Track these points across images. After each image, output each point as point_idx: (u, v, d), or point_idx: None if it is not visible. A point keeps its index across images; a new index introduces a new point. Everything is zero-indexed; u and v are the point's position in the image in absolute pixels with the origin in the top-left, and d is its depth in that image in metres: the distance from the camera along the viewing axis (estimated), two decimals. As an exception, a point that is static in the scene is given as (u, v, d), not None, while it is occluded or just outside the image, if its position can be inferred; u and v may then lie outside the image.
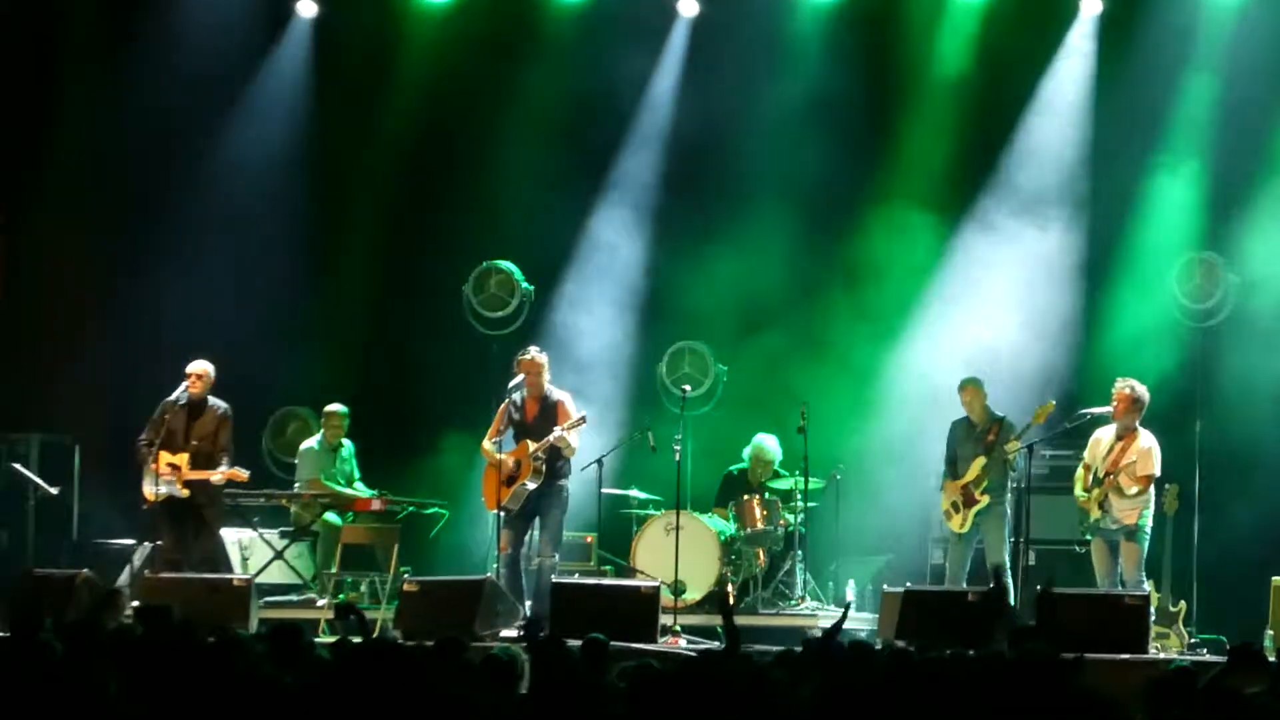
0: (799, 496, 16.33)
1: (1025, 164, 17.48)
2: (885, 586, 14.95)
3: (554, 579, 14.69)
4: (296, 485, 16.88)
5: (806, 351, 17.55)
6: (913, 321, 17.53)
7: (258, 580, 15.41)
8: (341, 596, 16.05)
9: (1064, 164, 17.47)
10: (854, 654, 9.05)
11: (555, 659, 8.59)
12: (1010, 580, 15.01)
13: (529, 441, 15.12)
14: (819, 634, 12.54)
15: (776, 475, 16.71)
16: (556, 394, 15.36)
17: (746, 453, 16.80)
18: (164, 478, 15.30)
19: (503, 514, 15.09)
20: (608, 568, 16.72)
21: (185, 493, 15.38)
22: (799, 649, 9.61)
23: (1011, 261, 17.10)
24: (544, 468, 15.08)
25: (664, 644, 13.93)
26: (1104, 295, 17.27)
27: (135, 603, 14.93)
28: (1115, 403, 14.79)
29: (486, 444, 15.27)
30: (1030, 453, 15.28)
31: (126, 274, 18.20)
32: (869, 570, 16.85)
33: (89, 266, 18.29)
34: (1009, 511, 15.36)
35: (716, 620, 15.73)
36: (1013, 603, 14.51)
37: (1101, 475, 14.73)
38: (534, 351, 15.42)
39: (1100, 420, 14.95)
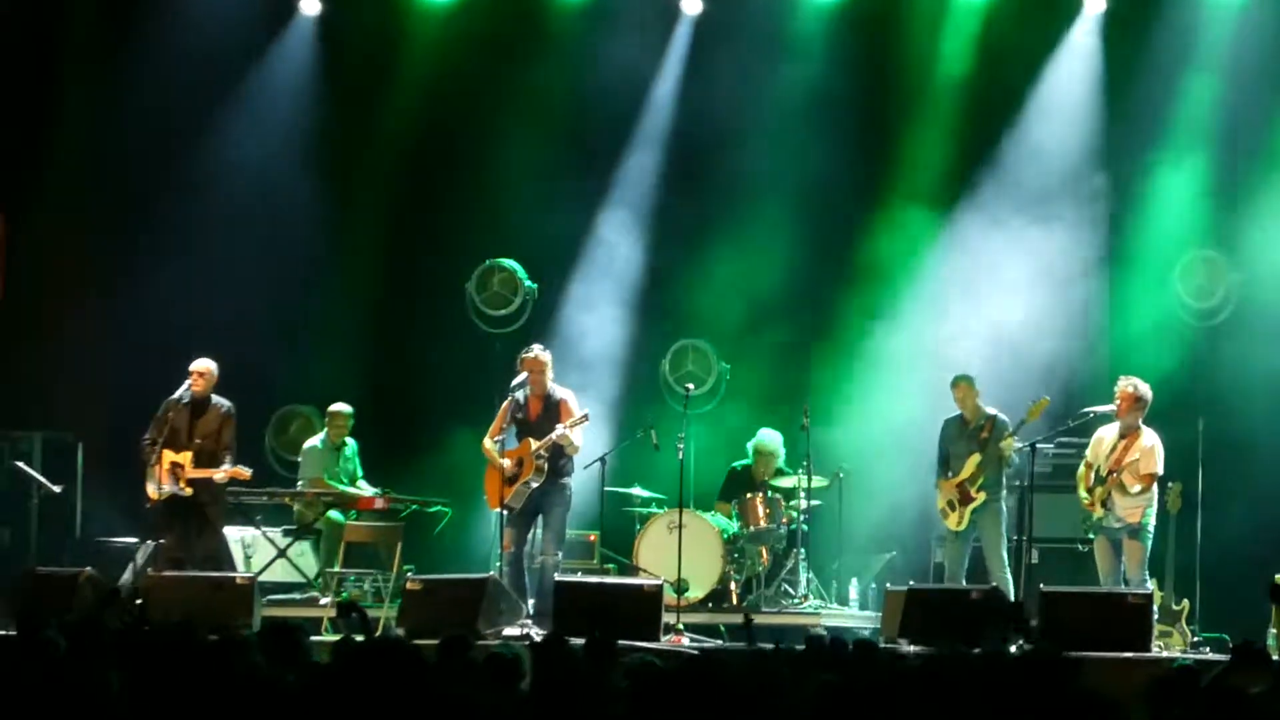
0: (802, 494, 16.33)
1: (1028, 162, 17.46)
2: (888, 585, 14.96)
3: (557, 577, 14.68)
4: (299, 483, 16.89)
5: (810, 349, 17.57)
6: (915, 319, 17.53)
7: (261, 579, 15.41)
8: (344, 595, 16.05)
9: (1067, 162, 17.47)
10: (858, 652, 9.06)
11: (557, 658, 8.59)
12: (1009, 578, 15.05)
13: (531, 440, 15.12)
14: (823, 632, 12.56)
15: (780, 473, 16.71)
16: (559, 392, 15.36)
17: (750, 446, 16.81)
18: (167, 476, 15.30)
19: (505, 512, 15.09)
20: (610, 566, 16.73)
21: (188, 491, 15.37)
22: (801, 647, 9.61)
23: (1014, 259, 17.08)
24: (546, 466, 15.07)
25: (667, 642, 13.92)
26: (1107, 293, 17.27)
27: (138, 600, 14.98)
28: (1118, 401, 14.79)
29: (488, 442, 15.27)
30: (1033, 451, 15.27)
31: (128, 273, 18.18)
32: (872, 568, 16.85)
33: (89, 266, 18.28)
34: (1005, 508, 15.39)
35: (719, 618, 15.75)
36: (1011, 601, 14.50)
37: (1104, 474, 14.73)
38: (537, 349, 15.41)
39: (1103, 419, 14.95)
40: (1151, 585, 14.55)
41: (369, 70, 18.57)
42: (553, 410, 15.21)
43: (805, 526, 16.37)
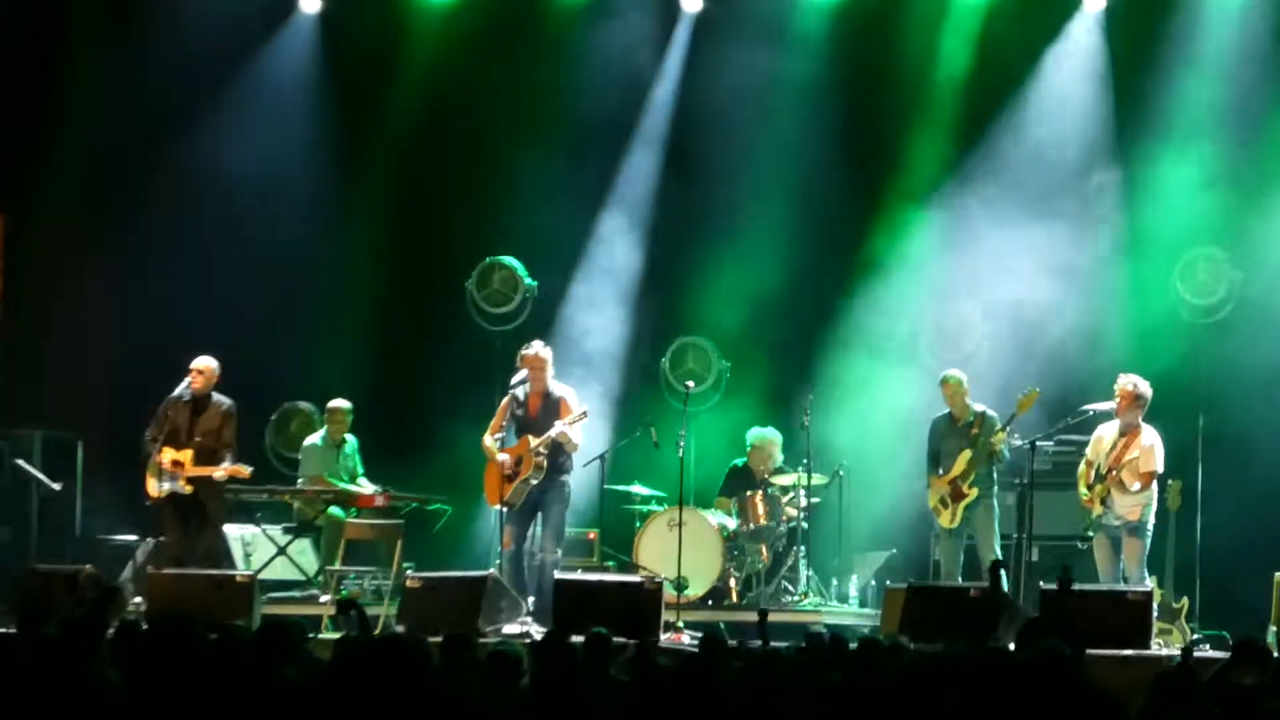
0: (802, 492, 16.33)
1: (1028, 159, 17.46)
2: (888, 583, 14.95)
3: (556, 575, 14.68)
4: (300, 481, 16.89)
5: (810, 347, 17.55)
6: (916, 317, 17.54)
7: (261, 576, 15.40)
8: (344, 592, 16.04)
9: (1067, 159, 17.46)
10: (859, 650, 9.06)
11: (557, 655, 8.59)
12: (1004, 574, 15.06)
13: (530, 437, 15.12)
14: (822, 630, 12.56)
15: (780, 471, 16.71)
16: (559, 390, 15.36)
17: (747, 441, 16.81)
18: (167, 474, 15.30)
19: (505, 510, 15.09)
20: (610, 563, 16.73)
21: (188, 489, 15.37)
22: (803, 644, 9.61)
23: (1014, 257, 17.07)
24: (545, 463, 15.07)
25: (667, 640, 13.93)
26: (1107, 291, 17.26)
27: (138, 598, 15.00)
28: (1118, 399, 14.80)
29: (488, 439, 15.27)
30: (1033, 449, 15.27)
31: (127, 272, 18.18)
32: (872, 566, 16.85)
33: (89, 265, 18.27)
34: (997, 504, 15.41)
35: (719, 616, 15.74)
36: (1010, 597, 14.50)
37: (1104, 471, 14.73)
38: (537, 346, 15.41)
39: (1103, 416, 14.95)
40: (1151, 583, 14.54)
41: (369, 68, 18.58)
42: (552, 407, 15.21)
43: (805, 524, 16.38)
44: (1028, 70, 17.65)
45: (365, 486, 16.68)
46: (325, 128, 18.53)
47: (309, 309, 18.34)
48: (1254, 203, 16.91)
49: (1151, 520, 14.74)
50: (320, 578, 16.37)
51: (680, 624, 14.77)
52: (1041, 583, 13.82)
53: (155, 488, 15.33)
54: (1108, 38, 17.56)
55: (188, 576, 14.78)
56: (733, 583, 16.36)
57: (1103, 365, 16.19)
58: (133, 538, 16.58)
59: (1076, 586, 14.11)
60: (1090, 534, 14.91)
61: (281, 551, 16.29)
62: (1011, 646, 10.77)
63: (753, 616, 15.59)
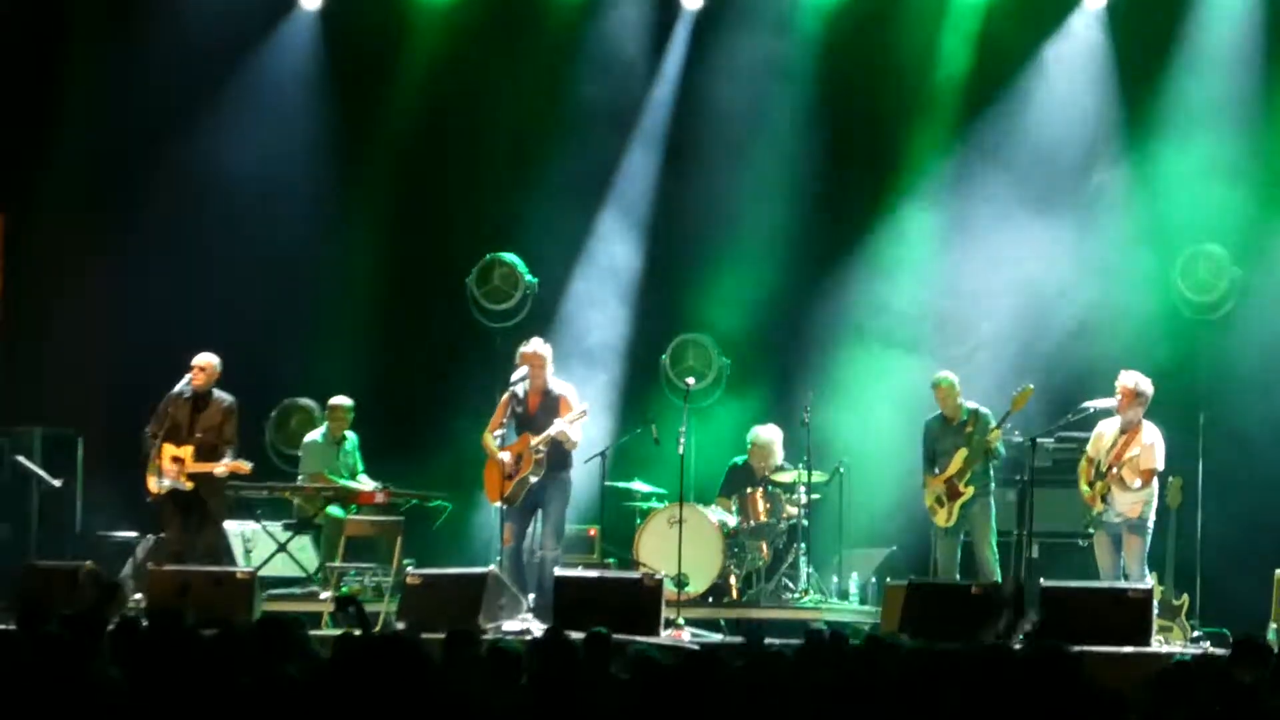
0: (802, 489, 16.33)
1: (1029, 157, 17.46)
2: (888, 580, 14.95)
3: (556, 571, 14.68)
4: (300, 478, 16.89)
5: (810, 344, 17.55)
6: (916, 316, 17.53)
7: (261, 573, 15.40)
8: (344, 589, 16.05)
9: (1068, 157, 17.46)
10: (861, 648, 9.05)
11: (557, 652, 8.59)
12: (999, 572, 15.06)
13: (530, 434, 15.12)
14: (822, 627, 12.56)
15: (781, 469, 16.71)
16: (559, 387, 15.35)
17: (747, 439, 16.82)
18: (168, 470, 15.30)
19: (505, 506, 15.09)
20: (611, 560, 16.73)
21: (189, 485, 15.37)
22: (802, 642, 9.61)
23: (1015, 254, 17.08)
24: (545, 460, 15.07)
25: (667, 637, 13.92)
26: (1108, 288, 17.25)
27: (138, 595, 15.00)
28: (1119, 396, 14.79)
29: (488, 436, 15.27)
30: (1034, 446, 15.26)
31: (127, 270, 18.18)
32: (873, 563, 16.85)
33: (89, 263, 18.27)
34: (993, 502, 15.42)
35: (719, 613, 15.75)
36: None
37: (1104, 469, 14.72)
38: (537, 343, 15.41)
39: (1103, 413, 14.94)
40: (1151, 580, 14.54)
41: (369, 65, 18.57)
42: (552, 404, 15.21)
43: (805, 521, 16.38)
44: (1028, 68, 17.64)
45: (365, 483, 16.69)
46: (325, 126, 18.52)
47: (309, 306, 18.33)
48: (1256, 200, 16.91)
49: (1152, 517, 14.74)
50: (320, 574, 16.37)
51: (680, 621, 14.76)
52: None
53: (156, 484, 15.33)
54: (1108, 34, 17.55)
55: (188, 573, 14.76)
56: (733, 580, 16.36)
57: (1103, 362, 16.18)
58: (133, 534, 16.59)
59: (1079, 583, 14.21)
60: (1091, 531, 14.90)
61: (282, 548, 16.29)
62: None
63: (754, 614, 15.66)
